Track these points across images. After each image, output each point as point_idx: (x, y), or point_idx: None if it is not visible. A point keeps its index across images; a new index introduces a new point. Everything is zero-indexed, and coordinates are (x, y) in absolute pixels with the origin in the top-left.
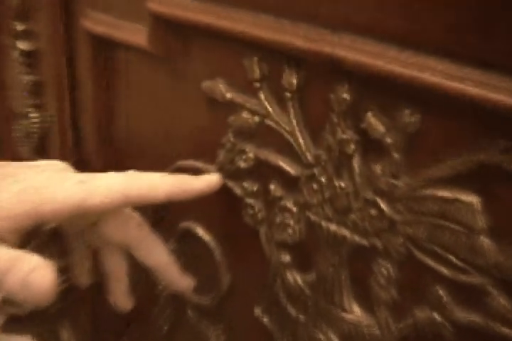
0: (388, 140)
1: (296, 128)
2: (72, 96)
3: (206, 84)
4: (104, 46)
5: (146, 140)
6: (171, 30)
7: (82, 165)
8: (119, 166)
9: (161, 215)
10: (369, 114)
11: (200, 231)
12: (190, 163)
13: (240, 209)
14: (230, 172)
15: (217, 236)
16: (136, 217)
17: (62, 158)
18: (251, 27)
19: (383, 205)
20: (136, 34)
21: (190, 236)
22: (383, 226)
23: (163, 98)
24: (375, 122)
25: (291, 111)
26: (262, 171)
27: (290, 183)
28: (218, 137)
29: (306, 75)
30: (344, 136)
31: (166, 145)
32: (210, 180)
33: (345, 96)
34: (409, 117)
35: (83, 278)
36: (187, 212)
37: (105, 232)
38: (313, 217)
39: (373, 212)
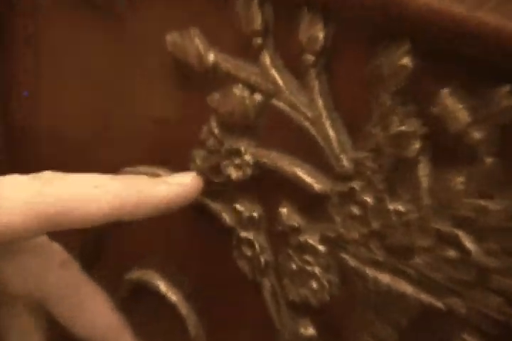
0: (476, 135)
1: (324, 115)
2: None
3: (172, 38)
4: None
5: (76, 136)
6: None
7: None
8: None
9: (97, 249)
10: (444, 92)
11: (163, 287)
12: (146, 169)
13: (231, 249)
14: (214, 187)
15: (191, 295)
16: (58, 250)
17: None
18: None
19: (468, 243)
20: None
21: (148, 290)
22: (469, 278)
23: (101, 71)
24: (453, 105)
25: (316, 85)
26: (266, 185)
27: (313, 205)
28: (193, 129)
29: (340, 27)
30: (403, 129)
31: (107, 144)
32: (182, 183)
33: (406, 62)
34: (508, 98)
35: None
36: (141, 249)
37: (3, 279)
38: (351, 262)
39: (452, 253)
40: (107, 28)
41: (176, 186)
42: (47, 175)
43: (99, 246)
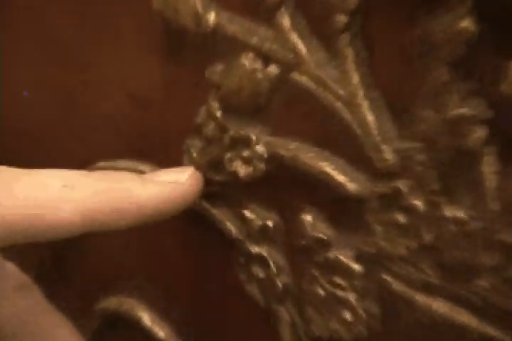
0: None
1: (361, 93)
2: None
3: None
4: None
5: (37, 123)
6: None
7: None
8: None
9: (59, 268)
10: None
11: (147, 319)
12: (125, 164)
13: (236, 269)
14: (215, 188)
15: (182, 329)
16: (13, 272)
17: None
18: None
19: None
20: None
21: (128, 322)
22: None
23: (64, 38)
24: None
25: (350, 55)
26: (285, 186)
27: (346, 212)
28: (185, 112)
29: None
30: (463, 112)
31: (74, 131)
32: (177, 182)
33: (466, 24)
34: None
35: None
36: (116, 269)
37: None
38: (396, 285)
39: None
40: None
41: (169, 185)
42: (3, 170)
43: (62, 264)
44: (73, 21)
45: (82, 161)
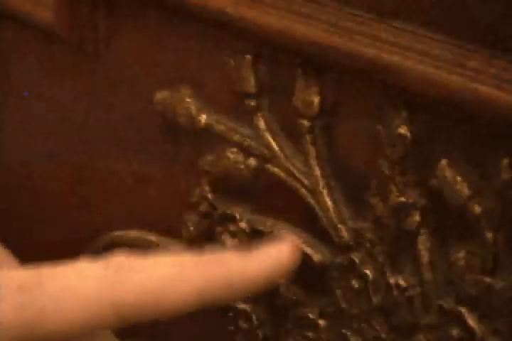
0: (476, 209)
1: (322, 183)
2: None
3: (160, 96)
4: None
5: (46, 191)
6: None
7: None
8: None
9: None
10: (443, 164)
11: None
12: (136, 234)
13: (228, 322)
14: None
15: None
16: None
17: None
18: (236, 4)
19: (472, 321)
20: (36, 4)
21: None
22: None
23: (73, 116)
24: (452, 177)
25: (312, 151)
26: None
27: (313, 278)
28: (181, 190)
29: (336, 90)
30: (403, 200)
31: (82, 202)
32: (279, 257)
33: (403, 130)
34: (509, 171)
35: None
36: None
37: None
38: (353, 338)
39: (455, 332)
40: (82, 68)
41: (272, 261)
42: (119, 259)
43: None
44: (82, 101)
45: (90, 229)
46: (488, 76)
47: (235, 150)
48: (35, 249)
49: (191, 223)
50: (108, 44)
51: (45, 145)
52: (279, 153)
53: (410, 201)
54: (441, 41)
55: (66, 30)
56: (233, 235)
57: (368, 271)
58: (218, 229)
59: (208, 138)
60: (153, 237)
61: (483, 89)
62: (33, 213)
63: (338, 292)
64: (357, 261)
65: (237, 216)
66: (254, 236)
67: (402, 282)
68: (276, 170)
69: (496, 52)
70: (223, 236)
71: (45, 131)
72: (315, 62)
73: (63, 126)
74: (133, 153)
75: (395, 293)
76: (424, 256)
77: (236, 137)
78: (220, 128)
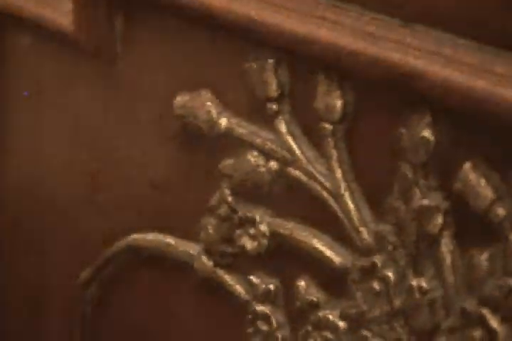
0: (500, 212)
1: (344, 186)
2: None
3: (181, 100)
4: None
5: (59, 198)
6: (109, 5)
7: None
8: (16, 243)
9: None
10: (466, 167)
11: None
12: (154, 237)
13: (245, 323)
14: (227, 258)
15: None
16: None
17: None
18: (260, 9)
19: (494, 323)
20: (55, 11)
21: None
22: None
23: (90, 125)
24: (476, 180)
25: (334, 155)
26: (283, 257)
27: (333, 280)
28: (203, 196)
29: (359, 94)
30: (425, 203)
31: (97, 209)
32: None
33: (427, 134)
34: None
35: None
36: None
37: None
38: (373, 339)
39: (477, 334)
40: (99, 75)
41: None
42: None
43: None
44: (99, 110)
45: (107, 235)
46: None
47: (255, 153)
48: (51, 254)
49: (211, 226)
50: (126, 50)
51: (60, 152)
52: (300, 156)
53: (433, 204)
54: (466, 46)
55: (84, 37)
56: (253, 238)
57: (389, 274)
58: (238, 232)
59: (228, 142)
60: (171, 240)
61: (509, 94)
62: (48, 220)
63: (359, 294)
64: (379, 263)
65: (258, 219)
66: (273, 239)
67: (423, 284)
68: (297, 173)
69: None
70: (243, 240)
71: (60, 138)
72: (338, 67)
73: (79, 133)
74: (151, 158)
75: (417, 295)
76: (446, 259)
77: (257, 140)
78: (241, 131)
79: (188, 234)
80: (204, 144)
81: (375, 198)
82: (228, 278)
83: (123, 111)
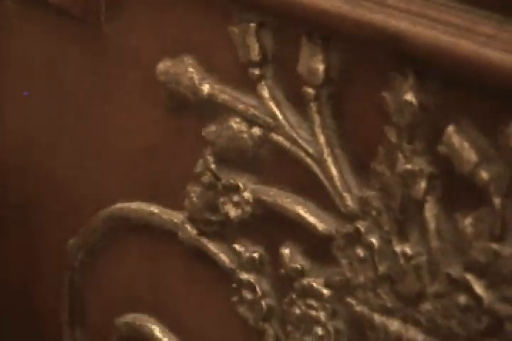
0: (484, 175)
1: (327, 151)
2: None
3: (163, 67)
4: None
5: (47, 167)
6: None
7: None
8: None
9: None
10: (450, 130)
11: (158, 332)
12: (138, 206)
13: (230, 294)
14: (211, 226)
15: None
16: None
17: None
18: None
19: (479, 289)
20: None
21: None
22: (480, 326)
23: (76, 91)
24: (460, 143)
25: (317, 120)
26: (268, 224)
27: (317, 247)
28: (186, 163)
29: (342, 58)
30: (409, 167)
31: (85, 176)
32: None
33: (410, 97)
34: None
35: None
36: (131, 295)
37: None
38: (359, 307)
39: (462, 299)
40: (85, 41)
41: None
42: None
43: (80, 287)
44: (85, 75)
45: (95, 203)
46: (499, 41)
47: (238, 119)
48: (39, 222)
49: (194, 194)
50: (113, 14)
51: (48, 119)
52: (283, 121)
53: (417, 168)
54: (450, 6)
55: (70, 2)
56: (236, 206)
57: (373, 240)
58: (222, 199)
59: (211, 108)
60: (155, 208)
61: (494, 55)
62: (36, 187)
63: (343, 261)
64: (362, 229)
65: (241, 186)
66: (257, 206)
67: (408, 250)
68: (280, 139)
69: (507, 18)
70: (226, 207)
71: (48, 104)
72: (321, 30)
73: (67, 99)
74: (139, 124)
75: (402, 261)
76: (431, 224)
77: (240, 106)
78: (224, 97)
79: (175, 202)
80: (191, 110)
81: (359, 164)
82: (212, 247)
83: (111, 76)
